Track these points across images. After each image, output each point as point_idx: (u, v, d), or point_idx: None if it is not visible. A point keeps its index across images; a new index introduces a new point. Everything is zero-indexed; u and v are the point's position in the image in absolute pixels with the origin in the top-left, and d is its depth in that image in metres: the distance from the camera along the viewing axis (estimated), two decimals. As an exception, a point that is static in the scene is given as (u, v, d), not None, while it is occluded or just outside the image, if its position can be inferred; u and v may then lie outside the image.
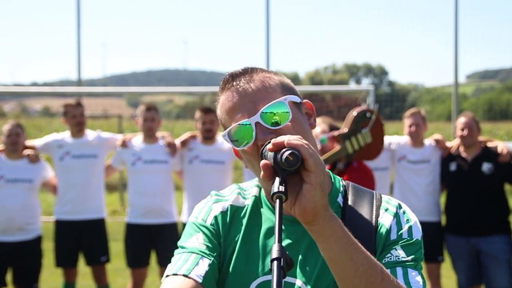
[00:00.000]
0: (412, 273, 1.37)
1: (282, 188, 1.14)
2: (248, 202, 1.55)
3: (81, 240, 5.68)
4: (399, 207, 1.49)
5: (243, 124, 1.40)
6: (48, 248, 6.11)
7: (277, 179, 1.16)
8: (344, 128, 4.47)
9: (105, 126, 13.78)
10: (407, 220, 1.46)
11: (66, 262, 5.71)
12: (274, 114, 1.39)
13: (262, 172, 1.20)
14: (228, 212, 1.53)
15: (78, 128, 5.67)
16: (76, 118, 5.66)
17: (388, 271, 1.30)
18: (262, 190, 1.56)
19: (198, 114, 5.71)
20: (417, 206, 5.52)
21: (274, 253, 1.07)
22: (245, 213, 1.53)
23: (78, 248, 5.72)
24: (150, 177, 5.53)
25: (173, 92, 14.74)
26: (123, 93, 16.88)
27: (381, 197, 1.51)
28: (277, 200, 1.14)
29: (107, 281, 5.84)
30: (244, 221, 1.52)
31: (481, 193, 5.21)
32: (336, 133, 4.41)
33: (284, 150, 1.17)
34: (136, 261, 5.68)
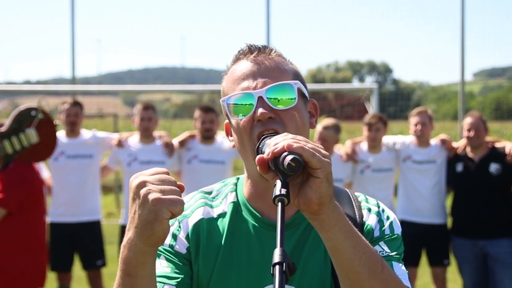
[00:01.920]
0: (397, 265, 1.43)
1: (284, 191, 1.15)
2: (220, 210, 1.53)
3: (76, 243, 5.69)
4: (378, 205, 1.55)
5: (246, 94, 1.41)
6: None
7: (278, 182, 1.17)
8: (3, 127, 4.22)
9: (100, 126, 13.78)
10: (387, 217, 1.52)
11: (60, 266, 5.71)
12: (280, 95, 1.41)
13: (258, 168, 1.21)
14: (200, 227, 1.51)
15: (70, 127, 5.67)
16: (69, 117, 5.66)
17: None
18: (240, 193, 1.55)
19: (197, 113, 5.72)
20: (422, 207, 5.53)
21: (276, 257, 1.07)
22: (221, 223, 1.51)
23: (73, 252, 5.73)
24: (146, 178, 5.52)
25: (171, 90, 14.77)
26: (119, 92, 16.88)
27: (357, 197, 1.56)
28: (279, 204, 1.14)
29: (102, 286, 5.84)
30: (222, 232, 1.50)
31: (489, 194, 5.21)
32: None
33: (285, 154, 1.17)
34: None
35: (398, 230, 1.51)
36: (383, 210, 1.54)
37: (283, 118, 1.40)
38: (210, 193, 1.58)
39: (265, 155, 1.21)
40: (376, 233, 1.48)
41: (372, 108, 8.49)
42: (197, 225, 1.51)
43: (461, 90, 10.54)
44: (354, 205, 1.53)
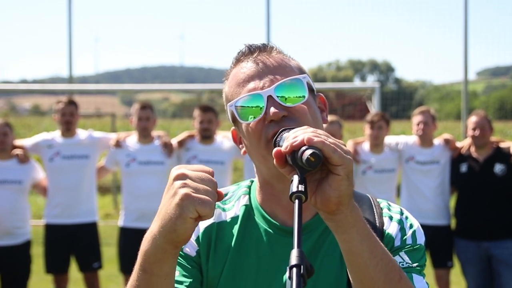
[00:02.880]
0: (417, 278, 1.37)
1: (301, 188, 1.10)
2: (232, 214, 1.50)
3: (72, 245, 5.67)
4: (401, 213, 1.49)
5: (254, 95, 1.37)
6: (37, 253, 6.10)
7: (296, 178, 1.12)
8: None
9: (97, 125, 13.79)
10: (410, 225, 1.46)
11: (56, 268, 5.70)
12: (290, 92, 1.37)
13: (274, 160, 1.17)
14: (212, 231, 1.48)
15: (66, 127, 5.65)
16: (65, 117, 5.64)
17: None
18: (253, 196, 1.51)
19: (196, 112, 5.71)
20: (425, 209, 5.52)
21: (293, 259, 1.02)
22: (232, 226, 1.48)
23: (69, 254, 5.71)
24: (145, 179, 5.51)
25: (169, 89, 14.77)
26: (117, 91, 16.87)
27: (379, 203, 1.50)
28: (296, 201, 1.09)
29: (99, 288, 5.83)
30: (233, 236, 1.47)
31: (493, 195, 5.20)
32: None
33: (304, 149, 1.12)
34: (130, 267, 5.62)
35: (421, 240, 1.45)
36: (406, 218, 1.48)
37: (296, 115, 1.35)
38: (224, 195, 1.54)
39: (282, 148, 1.16)
40: (397, 242, 1.42)
41: (374, 107, 8.48)
42: (208, 229, 1.48)
43: (464, 89, 10.53)
44: (375, 211, 1.47)
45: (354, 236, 1.18)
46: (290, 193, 1.10)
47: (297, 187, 1.10)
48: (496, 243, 5.19)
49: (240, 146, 1.49)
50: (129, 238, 5.63)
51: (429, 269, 5.97)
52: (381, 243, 1.23)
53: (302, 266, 1.01)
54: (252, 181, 1.55)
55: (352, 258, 1.21)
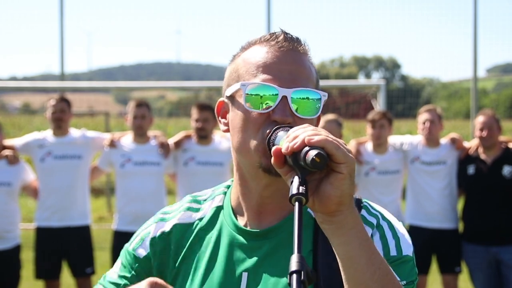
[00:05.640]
0: None
1: (303, 190, 1.09)
2: (200, 215, 1.51)
3: (64, 249, 5.67)
4: (381, 216, 1.40)
5: (269, 87, 1.33)
6: (28, 258, 6.11)
7: (296, 179, 1.11)
8: None
9: (90, 124, 13.79)
10: (393, 232, 1.38)
11: (47, 273, 5.70)
12: (305, 103, 1.35)
13: (272, 159, 1.16)
14: (172, 233, 1.50)
15: (56, 124, 5.64)
16: (55, 113, 5.63)
17: None
18: (228, 196, 1.51)
19: (193, 110, 5.72)
20: (432, 211, 5.53)
21: (293, 265, 1.01)
22: (195, 229, 1.49)
23: (61, 258, 5.71)
24: (140, 180, 5.51)
25: (165, 87, 14.76)
26: (111, 88, 16.90)
27: (361, 206, 1.41)
28: (297, 203, 1.08)
29: (93, 294, 5.84)
30: (194, 239, 1.48)
31: (502, 198, 5.21)
32: None
33: (307, 149, 1.10)
34: (125, 272, 5.68)
35: (408, 249, 1.36)
36: (389, 224, 1.39)
37: (300, 124, 1.30)
38: (201, 196, 1.57)
39: (283, 150, 1.14)
40: None
41: (379, 105, 8.50)
42: (168, 232, 1.51)
43: (473, 86, 10.54)
44: None
45: (353, 239, 1.15)
46: (290, 195, 1.09)
47: (298, 188, 1.09)
48: (505, 248, 5.20)
49: (222, 120, 1.48)
50: (123, 242, 5.58)
51: (436, 275, 5.99)
52: (379, 252, 1.20)
53: (302, 272, 1.00)
54: (232, 180, 1.54)
55: (349, 264, 1.17)
